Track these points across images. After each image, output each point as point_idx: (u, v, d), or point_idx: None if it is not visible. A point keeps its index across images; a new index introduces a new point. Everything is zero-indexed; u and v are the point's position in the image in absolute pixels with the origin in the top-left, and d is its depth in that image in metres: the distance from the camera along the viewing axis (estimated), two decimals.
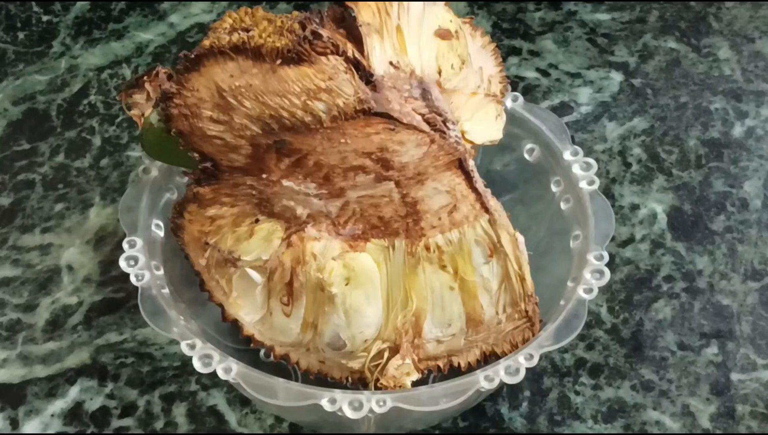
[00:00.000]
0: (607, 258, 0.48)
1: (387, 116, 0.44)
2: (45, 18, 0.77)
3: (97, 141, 0.68)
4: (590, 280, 0.47)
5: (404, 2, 0.47)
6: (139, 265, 0.48)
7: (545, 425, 0.53)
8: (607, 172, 0.65)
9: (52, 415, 0.53)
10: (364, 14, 0.45)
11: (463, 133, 0.48)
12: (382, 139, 0.45)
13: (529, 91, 0.70)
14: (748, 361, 0.55)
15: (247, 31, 0.44)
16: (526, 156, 0.56)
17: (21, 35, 0.76)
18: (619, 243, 0.61)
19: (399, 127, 0.45)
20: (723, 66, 0.72)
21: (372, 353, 0.48)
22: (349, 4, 0.45)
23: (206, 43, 0.44)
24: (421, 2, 0.47)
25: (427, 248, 0.47)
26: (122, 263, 0.48)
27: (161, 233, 0.51)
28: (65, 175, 0.65)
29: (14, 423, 0.53)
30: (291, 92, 0.43)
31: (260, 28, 0.44)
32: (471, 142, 0.49)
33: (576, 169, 0.53)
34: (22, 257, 0.61)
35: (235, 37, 0.44)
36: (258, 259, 0.48)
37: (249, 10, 0.47)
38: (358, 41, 0.44)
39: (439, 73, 0.47)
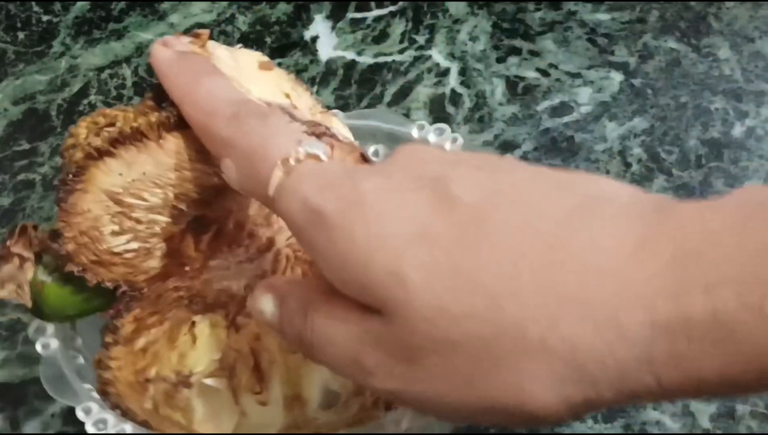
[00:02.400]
0: None
1: None
2: (45, 18, 0.77)
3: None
4: None
5: (215, 53, 0.44)
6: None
7: None
8: (607, 172, 0.65)
9: (53, 415, 0.53)
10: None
11: None
12: None
13: (529, 91, 0.70)
14: None
15: (112, 125, 0.41)
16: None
17: (21, 35, 0.76)
18: None
19: None
20: (723, 66, 0.72)
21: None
22: None
23: (78, 155, 0.40)
24: (226, 48, 0.46)
25: None
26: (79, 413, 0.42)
27: None
28: None
29: (14, 423, 0.53)
30: (188, 159, 0.40)
31: (121, 118, 0.41)
32: None
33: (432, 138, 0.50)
34: None
35: (104, 134, 0.40)
36: (212, 362, 0.42)
37: (104, 111, 0.43)
38: None
39: (288, 96, 0.46)
